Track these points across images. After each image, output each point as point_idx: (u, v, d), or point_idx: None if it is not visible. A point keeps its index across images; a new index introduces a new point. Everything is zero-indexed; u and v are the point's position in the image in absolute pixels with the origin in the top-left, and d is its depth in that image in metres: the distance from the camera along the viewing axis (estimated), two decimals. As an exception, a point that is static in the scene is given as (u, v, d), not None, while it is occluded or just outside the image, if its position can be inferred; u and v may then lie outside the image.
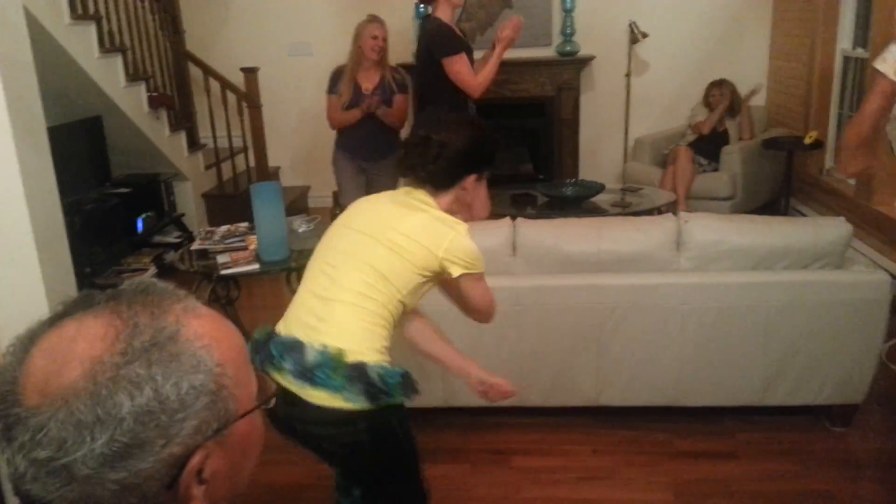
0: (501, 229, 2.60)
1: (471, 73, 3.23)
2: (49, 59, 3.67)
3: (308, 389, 1.49)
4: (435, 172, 1.64)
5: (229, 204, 4.78)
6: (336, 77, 3.70)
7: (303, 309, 1.60)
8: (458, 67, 3.20)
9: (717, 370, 2.51)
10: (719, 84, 4.93)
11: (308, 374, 1.49)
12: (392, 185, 3.67)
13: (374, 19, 3.62)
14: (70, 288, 2.74)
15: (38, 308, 1.91)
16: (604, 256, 2.53)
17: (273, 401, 0.74)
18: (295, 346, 1.53)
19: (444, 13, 3.29)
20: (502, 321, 2.52)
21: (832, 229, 2.52)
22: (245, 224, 3.01)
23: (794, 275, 2.47)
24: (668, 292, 2.46)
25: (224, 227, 3.00)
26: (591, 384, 2.56)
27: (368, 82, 3.65)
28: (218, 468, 0.63)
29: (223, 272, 2.64)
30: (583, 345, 2.52)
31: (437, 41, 3.24)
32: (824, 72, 4.56)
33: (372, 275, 1.57)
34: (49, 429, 0.57)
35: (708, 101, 4.96)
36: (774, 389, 2.51)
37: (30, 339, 0.62)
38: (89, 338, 0.60)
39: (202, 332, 0.64)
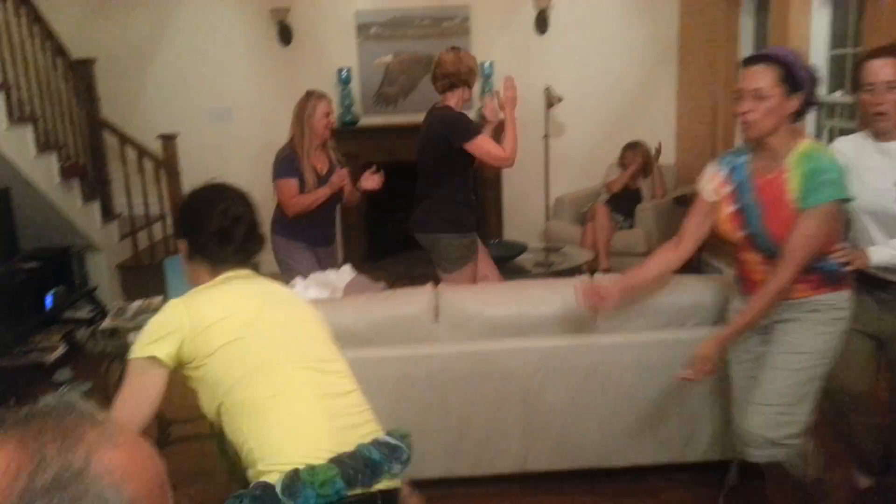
0: (423, 295, 2.61)
1: (498, 148, 3.18)
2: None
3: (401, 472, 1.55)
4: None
5: (146, 275, 4.63)
6: (290, 160, 3.33)
7: (331, 417, 1.51)
8: (485, 147, 3.16)
9: (638, 429, 2.55)
10: (633, 146, 5.17)
11: (407, 459, 1.55)
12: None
13: (322, 95, 3.43)
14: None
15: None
16: (524, 320, 2.56)
17: None
18: (391, 447, 1.52)
19: (455, 103, 3.30)
20: (426, 389, 2.52)
21: (738, 286, 2.63)
22: (159, 298, 2.91)
23: (705, 331, 2.54)
24: (587, 353, 2.51)
25: (137, 303, 2.90)
26: (519, 449, 2.55)
27: (319, 163, 3.42)
28: None
29: (135, 351, 2.52)
30: (508, 410, 2.52)
31: (454, 129, 3.21)
32: (727, 133, 4.84)
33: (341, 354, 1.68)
34: None
35: (623, 162, 5.19)
36: (694, 445, 2.57)
37: None
38: None
39: (114, 465, 0.59)
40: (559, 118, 5.50)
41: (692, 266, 4.81)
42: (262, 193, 5.77)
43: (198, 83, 5.51)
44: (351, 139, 5.51)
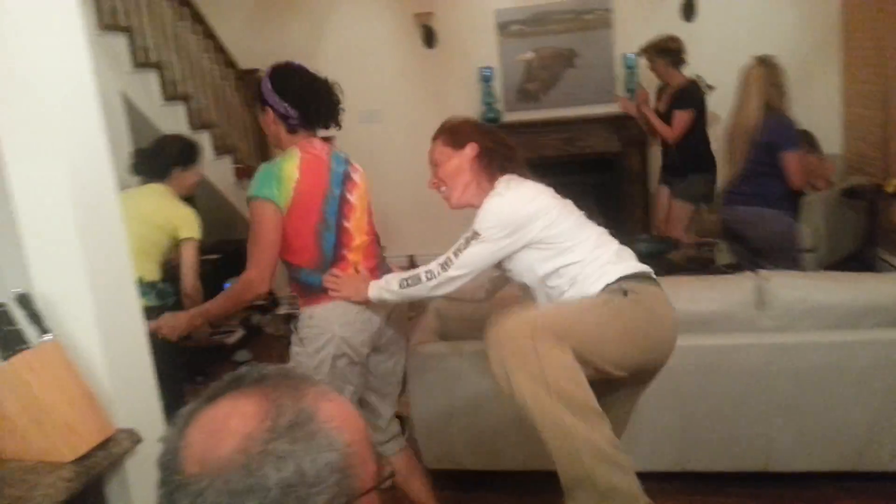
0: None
1: None
2: (144, 139, 3.97)
3: None
4: None
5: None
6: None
7: None
8: None
9: (807, 433, 2.43)
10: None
11: None
12: None
13: None
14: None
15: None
16: (681, 317, 2.50)
17: (390, 481, 0.79)
18: None
19: None
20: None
21: (919, 284, 2.44)
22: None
23: (885, 333, 2.39)
24: (752, 353, 2.42)
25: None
26: (676, 448, 2.51)
27: None
28: None
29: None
30: (665, 408, 2.49)
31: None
32: (902, 117, 4.45)
33: None
34: (206, 495, 0.64)
35: None
36: (873, 454, 2.40)
37: (189, 415, 0.70)
38: (241, 415, 0.67)
39: (334, 414, 0.71)
40: (711, 107, 5.26)
41: (865, 262, 4.46)
42: (411, 190, 5.97)
43: (349, 87, 5.71)
44: (494, 136, 5.59)
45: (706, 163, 4.36)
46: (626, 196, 5.48)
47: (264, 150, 5.22)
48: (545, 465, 2.58)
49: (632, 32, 5.43)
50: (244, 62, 5.23)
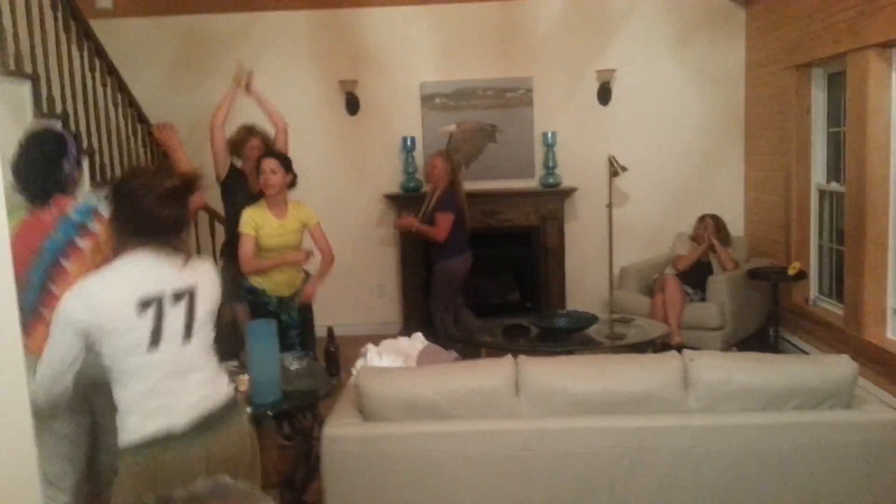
0: (504, 367, 2.53)
1: None
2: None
3: None
4: None
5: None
6: None
7: None
8: None
9: (734, 519, 2.38)
10: (703, 219, 5.08)
11: None
12: None
13: None
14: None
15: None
16: (609, 397, 2.46)
17: None
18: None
19: None
20: (508, 467, 2.41)
21: (837, 368, 2.48)
22: (234, 363, 2.90)
23: (805, 415, 2.41)
24: (679, 435, 2.37)
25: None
26: (604, 536, 2.40)
27: None
28: None
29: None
30: (596, 491, 2.39)
31: None
32: (801, 204, 4.72)
33: None
34: None
35: (695, 234, 5.08)
36: (798, 539, 2.38)
37: None
38: None
39: None
40: (623, 187, 5.46)
41: (767, 339, 4.62)
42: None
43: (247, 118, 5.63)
44: (414, 205, 5.55)
45: None
46: (543, 269, 5.52)
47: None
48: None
49: (551, 112, 5.61)
50: (156, 118, 5.00)
